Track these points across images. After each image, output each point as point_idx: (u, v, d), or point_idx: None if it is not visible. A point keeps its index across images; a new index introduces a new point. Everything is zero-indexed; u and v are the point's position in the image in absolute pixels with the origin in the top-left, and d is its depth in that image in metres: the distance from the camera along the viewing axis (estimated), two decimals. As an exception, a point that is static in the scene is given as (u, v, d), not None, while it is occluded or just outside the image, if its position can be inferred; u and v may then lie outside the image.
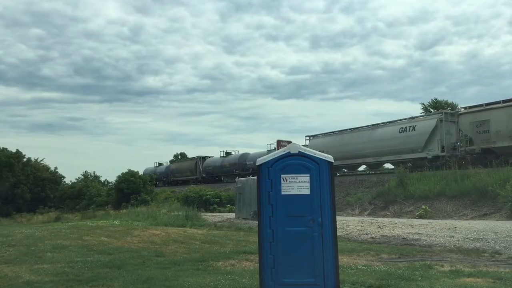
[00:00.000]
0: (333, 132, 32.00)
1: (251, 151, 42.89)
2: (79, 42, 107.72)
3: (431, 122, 24.83)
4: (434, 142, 24.24)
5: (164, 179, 52.97)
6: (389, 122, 28.15)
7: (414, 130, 25.41)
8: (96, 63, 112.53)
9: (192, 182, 45.23)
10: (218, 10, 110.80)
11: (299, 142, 34.39)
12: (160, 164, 58.08)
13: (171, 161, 57.85)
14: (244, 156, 40.23)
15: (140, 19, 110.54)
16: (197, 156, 47.76)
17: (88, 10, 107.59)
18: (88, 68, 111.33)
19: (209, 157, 46.80)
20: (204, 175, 45.43)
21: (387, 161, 27.41)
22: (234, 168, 40.25)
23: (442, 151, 23.86)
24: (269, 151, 34.44)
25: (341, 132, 31.27)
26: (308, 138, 33.29)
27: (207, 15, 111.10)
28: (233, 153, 43.78)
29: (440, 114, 24.86)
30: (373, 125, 28.93)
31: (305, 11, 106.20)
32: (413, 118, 27.44)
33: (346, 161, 29.65)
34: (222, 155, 44.20)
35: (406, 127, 26.01)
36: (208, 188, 34.35)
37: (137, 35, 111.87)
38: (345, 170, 32.34)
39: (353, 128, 30.52)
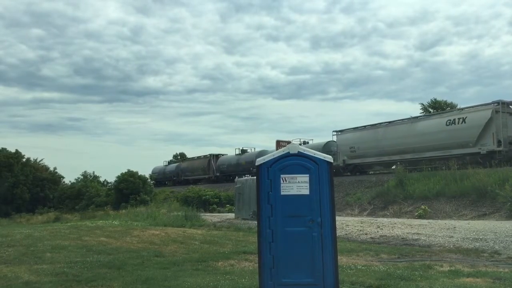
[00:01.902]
0: (364, 126, 29.67)
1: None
2: (80, 42, 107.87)
3: (485, 113, 22.28)
4: (488, 136, 21.83)
5: (174, 178, 51.03)
6: (433, 114, 25.65)
7: (464, 122, 22.84)
8: (96, 64, 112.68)
9: (205, 181, 43.92)
10: (218, 11, 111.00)
11: (324, 138, 33.61)
12: (169, 162, 56.15)
13: (182, 160, 54.78)
14: (263, 153, 37.73)
15: (141, 20, 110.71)
16: (210, 154, 45.93)
17: (89, 11, 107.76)
18: (88, 69, 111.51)
19: (223, 155, 45.08)
20: (217, 174, 43.43)
21: (431, 157, 24.66)
22: (251, 166, 37.79)
23: (499, 145, 21.43)
24: None
25: (374, 126, 28.81)
26: (335, 133, 31.16)
27: (208, 15, 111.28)
28: (249, 150, 41.58)
29: (496, 104, 22.27)
30: (413, 117, 26.51)
31: (306, 12, 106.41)
32: (462, 109, 24.66)
33: (381, 158, 27.35)
34: (237, 152, 42.14)
35: (454, 119, 23.46)
36: (207, 189, 34.25)
37: (138, 35, 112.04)
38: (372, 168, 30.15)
39: (388, 122, 28.14)
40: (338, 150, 30.24)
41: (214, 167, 44.30)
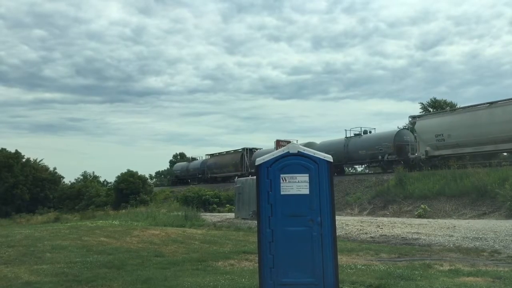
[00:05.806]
0: (454, 109, 24.90)
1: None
2: (81, 43, 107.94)
3: None
4: None
5: (200, 176, 46.71)
6: None
7: None
8: (98, 64, 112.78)
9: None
10: (220, 11, 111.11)
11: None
12: (193, 158, 52.86)
13: (210, 155, 48.90)
14: (309, 146, 32.94)
15: (143, 20, 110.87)
16: (243, 148, 41.30)
17: (91, 11, 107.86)
18: (90, 69, 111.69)
19: (257, 149, 40.18)
20: (252, 170, 36.84)
21: None
22: None
23: None
24: (347, 138, 30.77)
25: (472, 108, 23.66)
26: (412, 119, 26.26)
27: (209, 16, 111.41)
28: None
29: None
30: None
31: (307, 12, 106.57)
32: None
33: (484, 147, 22.35)
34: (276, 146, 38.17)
35: None
36: (207, 188, 34.28)
37: (139, 36, 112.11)
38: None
39: (490, 103, 22.64)
40: (418, 140, 25.22)
41: (247, 163, 39.67)
